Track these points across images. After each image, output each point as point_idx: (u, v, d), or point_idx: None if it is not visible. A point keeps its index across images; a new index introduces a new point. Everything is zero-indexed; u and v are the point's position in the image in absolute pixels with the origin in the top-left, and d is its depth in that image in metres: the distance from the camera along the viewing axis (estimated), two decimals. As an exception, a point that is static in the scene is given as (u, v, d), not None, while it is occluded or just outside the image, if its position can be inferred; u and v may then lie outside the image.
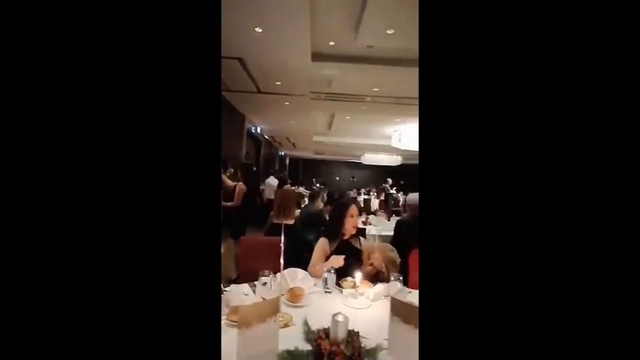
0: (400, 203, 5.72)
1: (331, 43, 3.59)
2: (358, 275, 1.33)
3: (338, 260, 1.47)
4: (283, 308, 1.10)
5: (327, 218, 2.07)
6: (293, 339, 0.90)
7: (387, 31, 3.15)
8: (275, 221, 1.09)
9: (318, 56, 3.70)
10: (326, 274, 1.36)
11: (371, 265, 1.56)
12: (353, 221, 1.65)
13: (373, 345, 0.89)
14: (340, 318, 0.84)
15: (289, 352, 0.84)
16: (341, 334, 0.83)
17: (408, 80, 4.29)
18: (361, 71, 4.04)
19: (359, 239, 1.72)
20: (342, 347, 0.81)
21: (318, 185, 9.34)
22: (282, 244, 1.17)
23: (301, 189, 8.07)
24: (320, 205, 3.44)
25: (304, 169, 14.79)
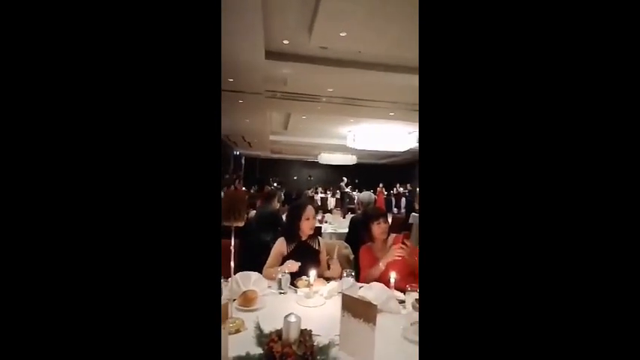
0: (355, 201, 5.90)
1: (285, 42, 3.57)
2: (312, 274, 1.34)
3: (293, 266, 1.46)
4: (235, 313, 1.07)
5: (284, 219, 2.05)
6: (245, 344, 0.88)
7: (340, 34, 3.22)
8: (224, 224, 1.05)
9: (272, 54, 3.65)
10: (280, 275, 1.35)
11: (328, 269, 1.60)
12: (310, 222, 1.65)
13: (326, 342, 0.90)
14: (292, 318, 0.84)
15: (240, 359, 0.82)
16: (293, 335, 0.83)
17: (361, 82, 4.44)
18: (316, 71, 4.08)
19: (317, 240, 1.73)
20: (294, 348, 0.80)
21: (275, 185, 9.24)
22: (232, 247, 1.14)
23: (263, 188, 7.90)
24: (276, 205, 3.40)
25: (261, 169, 14.50)
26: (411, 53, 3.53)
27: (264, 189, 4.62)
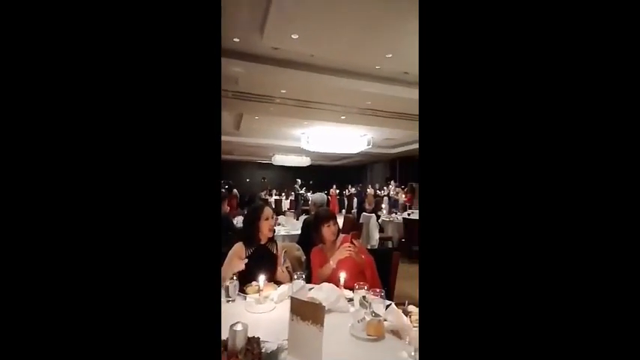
0: (309, 202, 5.94)
1: (236, 40, 3.46)
2: (261, 278, 1.32)
3: (239, 264, 1.43)
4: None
5: (243, 221, 1.98)
6: (187, 358, 0.83)
7: (292, 36, 3.22)
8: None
9: (222, 52, 3.51)
10: (227, 282, 1.29)
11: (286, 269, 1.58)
12: (268, 224, 1.62)
13: (275, 347, 0.89)
14: (238, 327, 0.81)
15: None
16: (239, 344, 0.80)
17: (313, 85, 4.49)
18: (268, 72, 4.03)
19: (275, 243, 1.70)
20: (241, 357, 0.78)
21: (226, 187, 8.88)
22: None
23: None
24: (226, 208, 3.26)
25: (211, 171, 13.75)
26: (360, 59, 3.68)
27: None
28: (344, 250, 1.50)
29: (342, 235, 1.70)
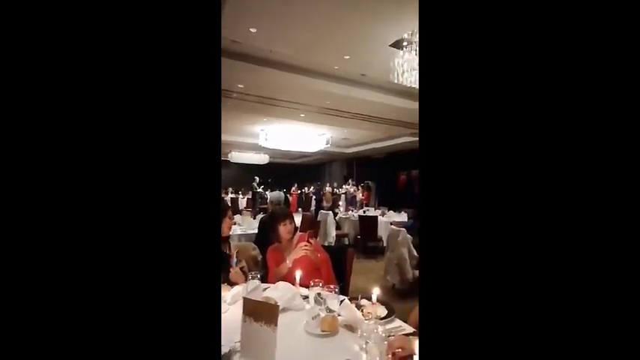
0: (268, 201, 5.85)
1: (189, 29, 3.26)
2: (215, 280, 1.27)
3: None
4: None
5: None
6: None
7: (251, 29, 3.14)
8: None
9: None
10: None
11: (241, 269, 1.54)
12: (227, 222, 1.57)
13: (227, 350, 0.86)
14: (187, 332, 0.77)
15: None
16: (188, 350, 0.76)
17: (272, 82, 4.42)
18: (225, 65, 3.86)
19: (228, 243, 1.65)
20: (189, 363, 0.74)
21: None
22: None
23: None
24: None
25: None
26: (319, 58, 3.70)
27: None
28: (300, 250, 1.51)
29: (298, 234, 1.70)
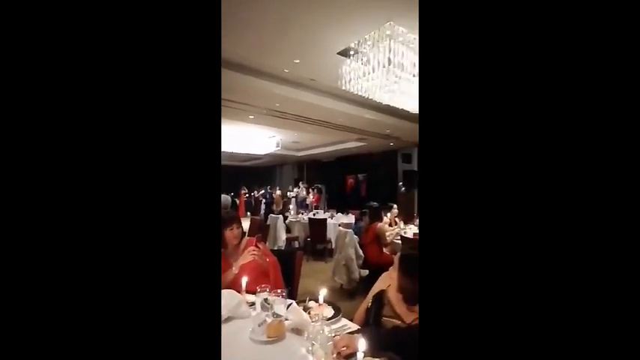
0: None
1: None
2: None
3: None
4: None
5: None
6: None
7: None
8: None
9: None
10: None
11: None
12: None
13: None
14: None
15: None
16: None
17: (222, 81, 4.23)
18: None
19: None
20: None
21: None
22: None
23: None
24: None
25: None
26: (270, 60, 3.67)
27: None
28: (248, 255, 1.47)
29: (246, 238, 1.66)
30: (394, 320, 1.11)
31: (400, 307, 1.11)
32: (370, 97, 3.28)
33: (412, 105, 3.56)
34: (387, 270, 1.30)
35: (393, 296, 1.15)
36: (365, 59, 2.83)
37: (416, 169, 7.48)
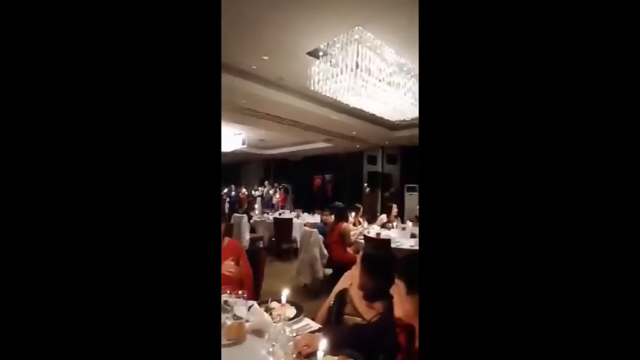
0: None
1: None
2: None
3: None
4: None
5: None
6: None
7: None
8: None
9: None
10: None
11: None
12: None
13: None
14: None
15: None
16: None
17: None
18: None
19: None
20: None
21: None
22: None
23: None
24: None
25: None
26: (237, 55, 3.56)
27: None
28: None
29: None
30: (355, 318, 1.14)
31: (361, 305, 1.14)
32: (338, 99, 3.33)
33: (378, 109, 3.68)
34: (350, 269, 1.32)
35: (355, 294, 1.17)
36: (334, 61, 2.87)
37: (380, 170, 7.73)
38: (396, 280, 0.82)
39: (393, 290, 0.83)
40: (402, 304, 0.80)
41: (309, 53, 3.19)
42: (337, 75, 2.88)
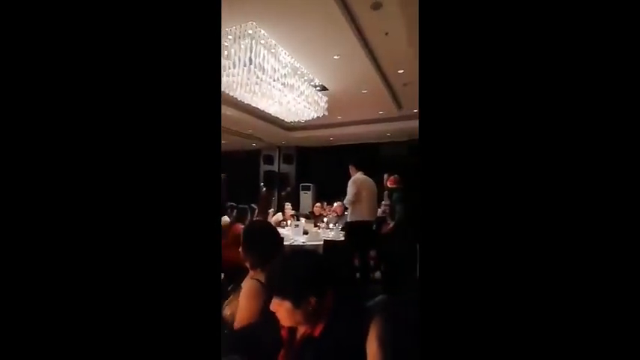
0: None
1: None
2: None
3: None
4: None
5: None
6: None
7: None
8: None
9: None
10: None
11: None
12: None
13: None
14: None
15: None
16: None
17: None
18: None
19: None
20: None
21: None
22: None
23: None
24: None
25: None
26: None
27: None
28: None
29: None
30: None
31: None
32: (230, 94, 3.17)
33: (273, 108, 3.69)
34: (247, 272, 1.26)
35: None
36: (226, 53, 2.72)
37: (277, 170, 7.81)
38: (278, 300, 0.73)
39: (273, 307, 0.74)
40: (293, 316, 0.73)
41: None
42: (229, 68, 2.74)
